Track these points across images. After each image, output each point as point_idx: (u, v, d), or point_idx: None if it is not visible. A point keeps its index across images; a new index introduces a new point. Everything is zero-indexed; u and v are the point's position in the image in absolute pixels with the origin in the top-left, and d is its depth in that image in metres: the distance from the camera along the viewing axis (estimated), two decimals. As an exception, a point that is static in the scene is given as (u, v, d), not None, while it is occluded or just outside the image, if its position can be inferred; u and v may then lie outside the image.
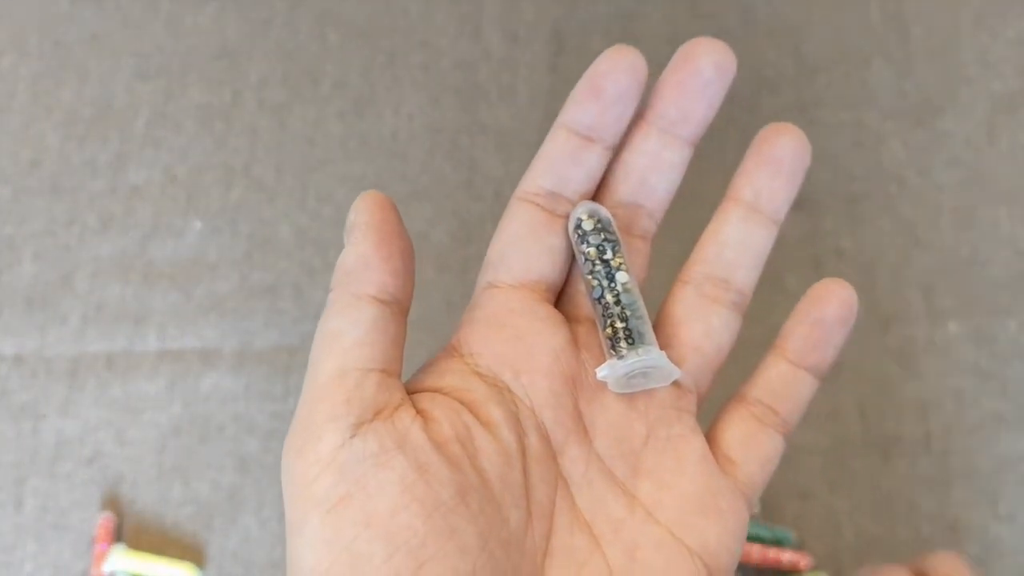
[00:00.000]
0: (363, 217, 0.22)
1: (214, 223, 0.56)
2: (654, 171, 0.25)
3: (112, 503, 0.49)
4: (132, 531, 0.49)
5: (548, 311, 0.23)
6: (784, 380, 0.26)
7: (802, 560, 0.46)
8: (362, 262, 0.23)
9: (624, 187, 0.25)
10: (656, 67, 0.58)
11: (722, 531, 0.22)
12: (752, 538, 0.45)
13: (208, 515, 0.49)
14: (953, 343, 0.50)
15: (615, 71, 0.23)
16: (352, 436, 0.20)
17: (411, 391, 0.22)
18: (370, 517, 0.19)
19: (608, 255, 0.24)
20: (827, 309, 0.26)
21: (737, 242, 0.26)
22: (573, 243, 0.24)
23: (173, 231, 0.56)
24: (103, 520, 0.48)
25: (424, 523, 0.18)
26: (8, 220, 0.57)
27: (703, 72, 0.24)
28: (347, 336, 0.21)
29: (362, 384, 0.20)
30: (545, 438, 0.22)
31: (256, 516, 0.49)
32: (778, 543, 0.46)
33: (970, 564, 0.35)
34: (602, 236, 0.24)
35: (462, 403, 0.21)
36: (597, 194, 0.25)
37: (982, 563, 0.46)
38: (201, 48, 0.61)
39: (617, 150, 0.25)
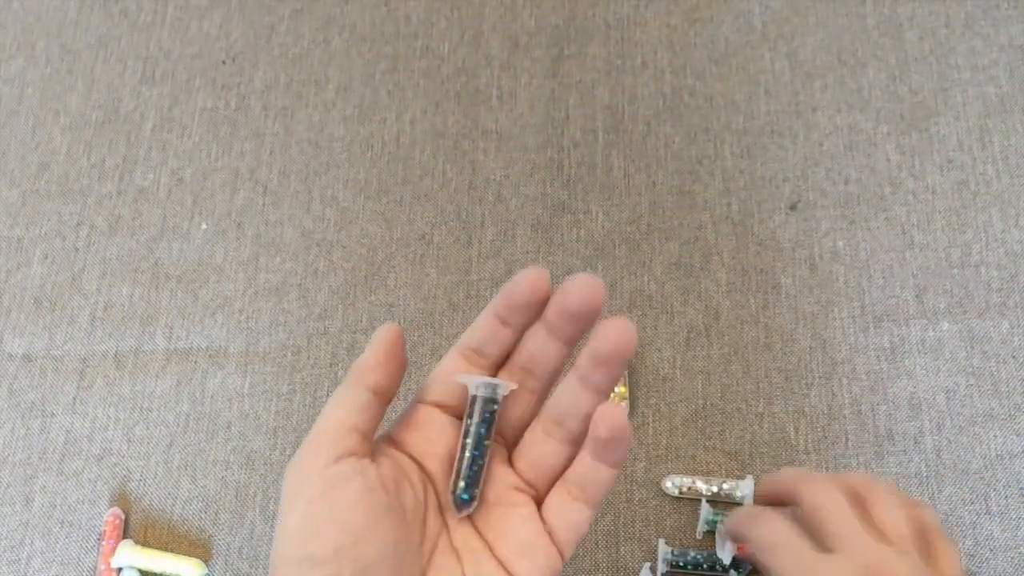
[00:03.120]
0: (379, 338, 0.34)
1: (220, 225, 0.56)
2: (539, 355, 0.34)
3: (120, 500, 0.50)
4: (140, 527, 0.49)
5: (448, 421, 0.35)
6: (590, 469, 0.34)
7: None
8: (369, 365, 0.33)
9: (521, 357, 0.35)
10: (655, 70, 0.59)
11: (535, 568, 0.33)
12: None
13: (215, 511, 0.49)
14: (945, 342, 0.51)
15: (521, 288, 0.33)
16: (334, 462, 0.31)
17: (374, 451, 0.33)
18: (334, 509, 0.30)
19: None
20: (600, 433, 0.33)
21: (569, 402, 0.34)
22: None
23: (180, 233, 0.56)
24: (111, 516, 0.49)
25: (364, 519, 0.30)
26: (17, 222, 0.57)
27: (570, 307, 0.32)
28: (350, 405, 0.33)
29: (348, 435, 0.32)
30: (439, 498, 0.34)
31: (262, 512, 0.49)
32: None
33: (886, 483, 0.39)
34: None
35: (399, 465, 0.33)
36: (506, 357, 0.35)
37: (974, 558, 0.47)
38: (207, 53, 0.62)
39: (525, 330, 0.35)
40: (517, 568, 0.33)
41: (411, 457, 0.34)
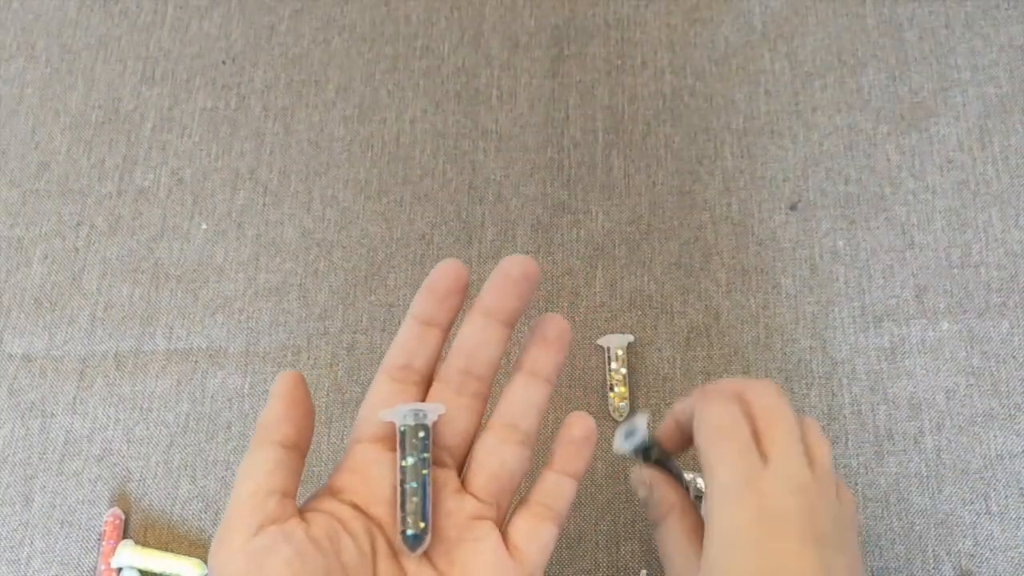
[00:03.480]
0: (277, 388, 0.32)
1: (220, 225, 0.57)
2: (480, 346, 0.34)
3: (120, 500, 0.50)
4: (140, 527, 0.49)
5: (390, 458, 0.33)
6: (554, 485, 0.35)
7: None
8: (272, 419, 0.32)
9: (459, 361, 0.34)
10: (655, 70, 0.59)
11: None
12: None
13: (215, 511, 0.50)
14: (945, 342, 0.51)
15: (443, 277, 0.33)
16: (255, 535, 0.29)
17: (304, 509, 0.31)
18: None
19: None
20: (575, 432, 0.35)
21: (521, 399, 0.34)
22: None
23: (180, 233, 0.56)
24: (111, 516, 0.49)
25: None
26: (17, 222, 0.57)
27: (514, 275, 0.33)
28: (259, 468, 0.31)
29: (265, 502, 0.30)
30: (390, 544, 0.32)
31: (262, 512, 0.49)
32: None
33: (783, 392, 0.37)
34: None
35: (335, 519, 0.31)
36: (437, 367, 0.34)
37: (974, 558, 0.47)
38: (207, 53, 0.62)
39: (453, 332, 0.34)
40: None
41: (353, 505, 0.32)
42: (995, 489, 0.48)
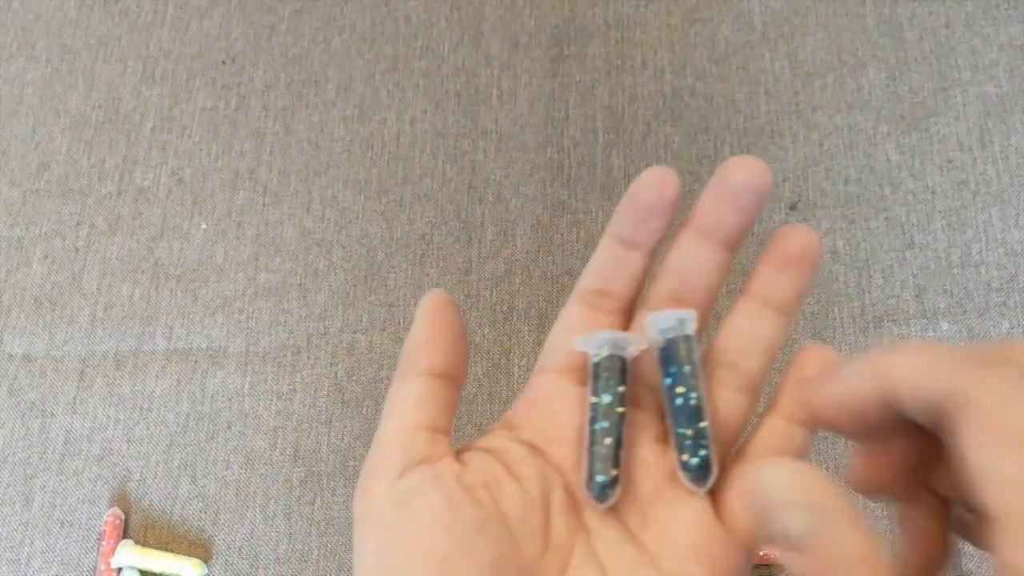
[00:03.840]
0: (424, 310, 0.28)
1: (220, 225, 0.57)
2: (692, 271, 0.28)
3: (120, 499, 0.50)
4: (140, 527, 0.49)
5: (579, 393, 0.28)
6: (781, 435, 0.28)
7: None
8: (419, 345, 0.27)
9: (668, 285, 0.29)
10: (655, 70, 0.59)
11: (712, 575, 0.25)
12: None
13: (215, 511, 0.50)
14: (945, 342, 0.51)
15: (646, 189, 0.28)
16: (400, 477, 0.25)
17: (465, 448, 0.27)
18: (408, 536, 0.24)
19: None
20: (808, 370, 0.28)
21: (746, 333, 0.28)
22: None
23: (180, 233, 0.56)
24: (111, 516, 0.49)
25: (449, 540, 0.24)
26: (17, 222, 0.57)
27: (735, 185, 0.27)
28: (405, 402, 0.27)
29: (414, 439, 0.26)
30: (571, 494, 0.27)
31: (262, 511, 0.49)
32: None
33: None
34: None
35: (499, 460, 0.26)
36: (647, 293, 0.29)
37: (974, 558, 0.47)
38: (207, 53, 0.62)
39: (662, 253, 0.29)
40: None
41: (528, 444, 0.27)
42: (995, 489, 0.47)
